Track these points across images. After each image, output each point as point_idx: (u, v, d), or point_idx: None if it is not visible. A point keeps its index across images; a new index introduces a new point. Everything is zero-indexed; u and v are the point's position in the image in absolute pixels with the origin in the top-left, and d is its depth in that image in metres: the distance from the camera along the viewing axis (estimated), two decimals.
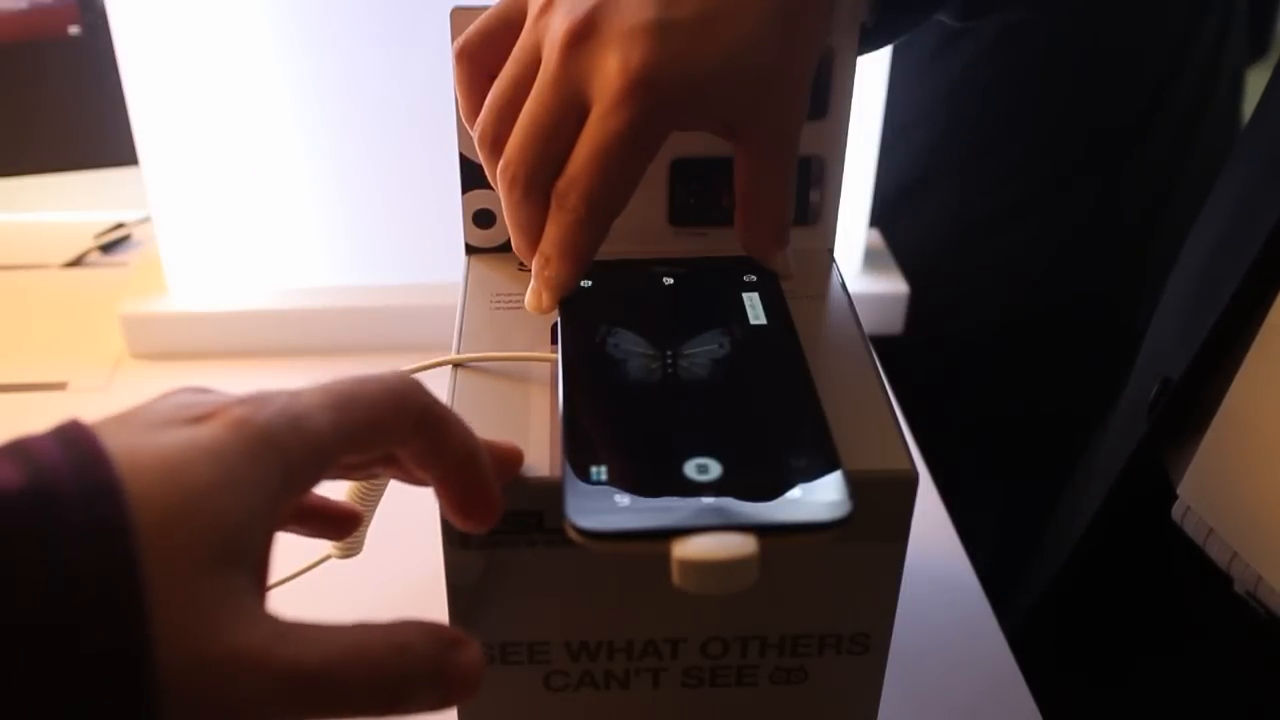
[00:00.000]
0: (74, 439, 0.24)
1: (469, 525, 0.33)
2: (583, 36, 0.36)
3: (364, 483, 0.46)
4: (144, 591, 0.23)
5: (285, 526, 0.35)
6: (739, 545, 0.28)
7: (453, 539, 0.36)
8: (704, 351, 0.37)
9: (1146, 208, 1.03)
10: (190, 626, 0.23)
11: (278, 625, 0.25)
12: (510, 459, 0.35)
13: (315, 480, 0.28)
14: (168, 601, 0.23)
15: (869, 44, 0.45)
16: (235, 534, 0.25)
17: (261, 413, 0.26)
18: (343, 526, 0.39)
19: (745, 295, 0.40)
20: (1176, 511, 0.49)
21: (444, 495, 0.32)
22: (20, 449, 0.24)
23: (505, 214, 0.39)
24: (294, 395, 0.28)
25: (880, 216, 0.93)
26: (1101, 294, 1.06)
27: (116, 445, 0.24)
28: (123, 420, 0.26)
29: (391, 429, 0.29)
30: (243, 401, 0.27)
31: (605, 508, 0.29)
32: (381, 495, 0.47)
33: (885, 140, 0.85)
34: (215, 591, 0.24)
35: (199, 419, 0.26)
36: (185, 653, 0.23)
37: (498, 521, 0.33)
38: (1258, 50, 1.17)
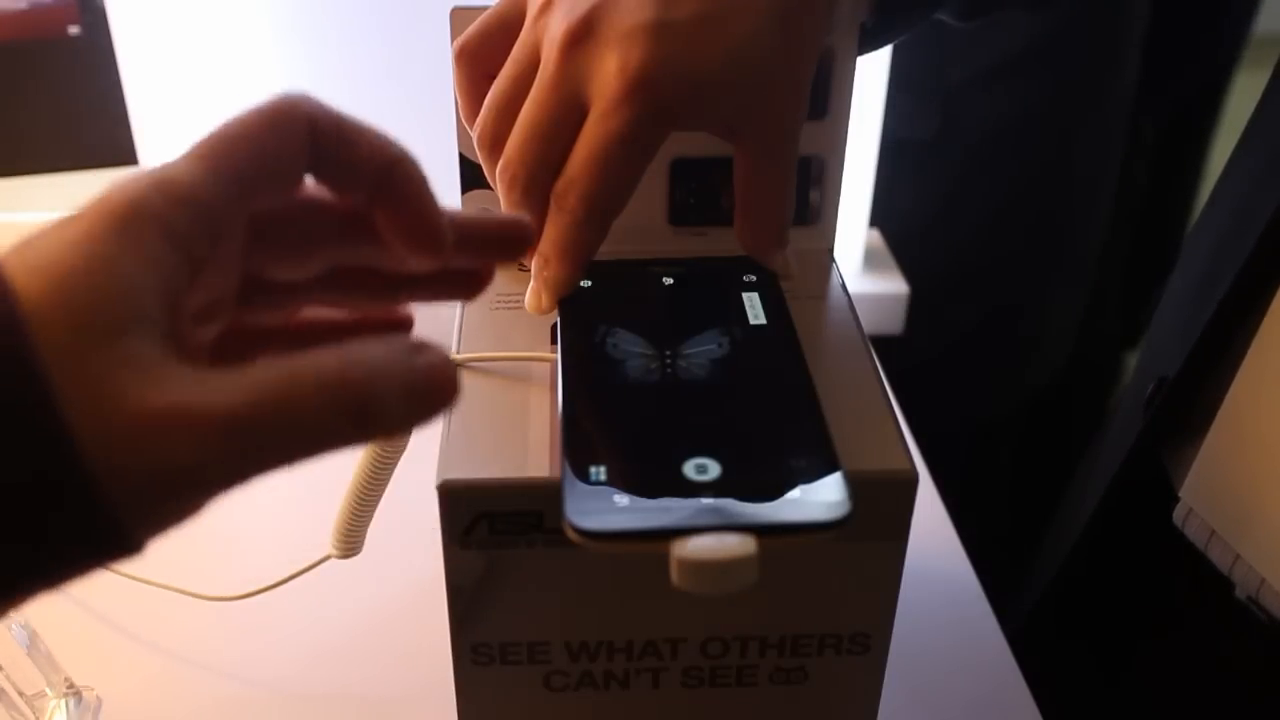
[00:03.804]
0: None
1: (418, 254, 0.30)
2: (581, 37, 0.36)
3: (365, 481, 0.46)
4: (39, 371, 0.22)
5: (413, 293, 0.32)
6: (738, 545, 0.28)
7: (453, 539, 0.36)
8: (703, 351, 0.37)
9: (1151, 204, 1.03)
10: (95, 395, 0.23)
11: (199, 376, 0.24)
12: (513, 231, 0.32)
13: (210, 235, 0.26)
14: (65, 378, 0.22)
15: (869, 44, 0.45)
16: (117, 307, 0.24)
17: (126, 189, 0.25)
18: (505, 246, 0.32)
19: (745, 295, 0.40)
20: (1178, 515, 0.49)
21: (382, 220, 0.29)
22: None
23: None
24: (165, 163, 0.26)
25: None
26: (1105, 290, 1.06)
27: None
28: (18, 241, 0.25)
29: (278, 155, 0.27)
30: (113, 183, 0.26)
31: (604, 508, 0.29)
32: (383, 493, 0.47)
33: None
34: (112, 360, 0.23)
35: (74, 217, 0.25)
36: (99, 421, 0.22)
37: (448, 250, 0.30)
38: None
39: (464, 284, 0.32)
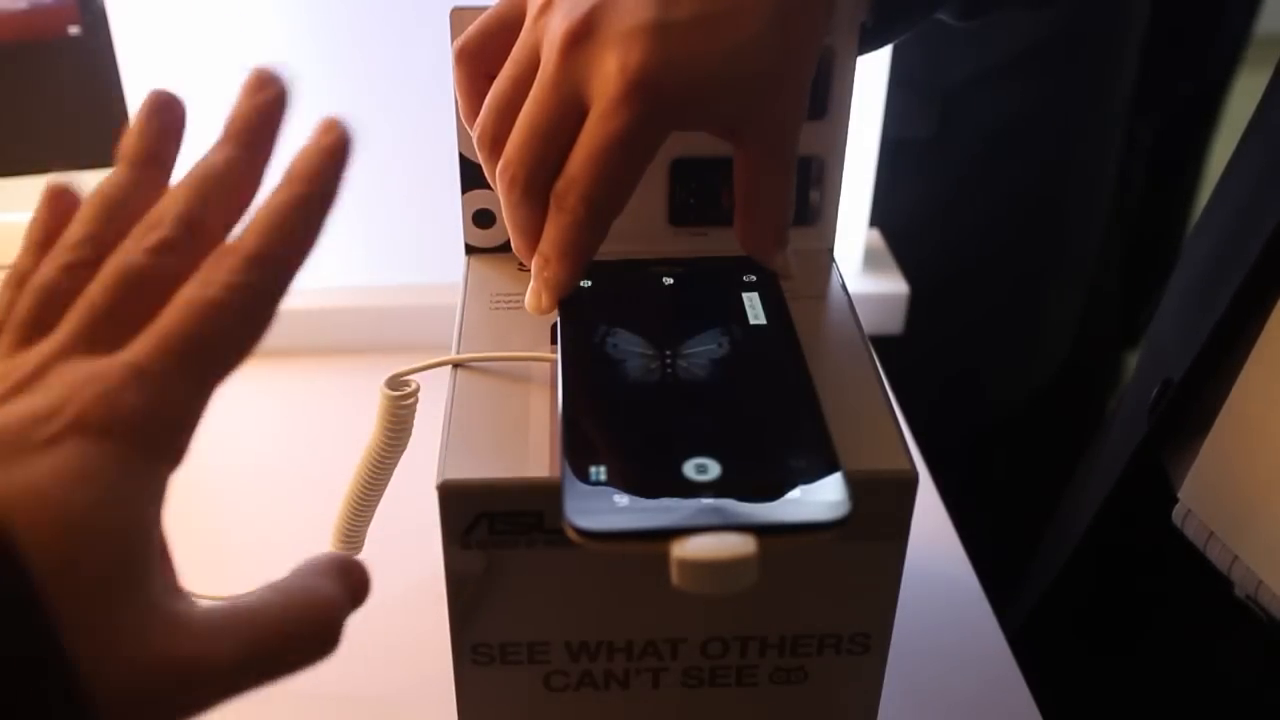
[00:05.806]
0: None
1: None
2: (581, 37, 0.36)
3: (365, 481, 0.46)
4: (55, 628, 0.22)
5: None
6: (738, 545, 0.28)
7: (453, 539, 0.36)
8: (703, 351, 0.37)
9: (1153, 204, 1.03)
10: (114, 646, 0.24)
11: (195, 623, 0.25)
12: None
13: (189, 435, 0.26)
14: (82, 633, 0.23)
15: (869, 44, 0.45)
16: (129, 548, 0.24)
17: (113, 411, 0.24)
18: None
19: (745, 295, 0.40)
20: (1177, 515, 0.49)
21: None
22: None
23: (504, 214, 0.39)
24: (137, 372, 0.25)
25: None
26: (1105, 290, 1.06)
27: None
28: None
29: (250, 341, 0.27)
30: (80, 394, 0.24)
31: (604, 508, 0.29)
32: (383, 492, 0.47)
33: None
34: (134, 612, 0.24)
35: (54, 439, 0.24)
36: (116, 674, 0.23)
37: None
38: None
39: None
